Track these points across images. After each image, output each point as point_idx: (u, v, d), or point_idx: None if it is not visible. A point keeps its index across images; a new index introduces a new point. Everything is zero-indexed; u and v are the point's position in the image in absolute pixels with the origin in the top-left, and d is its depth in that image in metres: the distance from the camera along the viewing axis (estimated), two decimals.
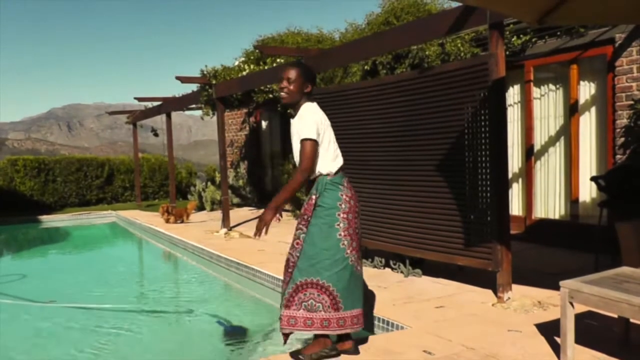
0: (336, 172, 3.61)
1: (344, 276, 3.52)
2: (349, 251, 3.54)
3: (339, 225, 3.52)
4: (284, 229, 9.85)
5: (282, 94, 3.67)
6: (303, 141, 3.48)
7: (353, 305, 3.58)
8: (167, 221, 11.78)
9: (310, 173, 3.51)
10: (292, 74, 3.64)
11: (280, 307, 3.60)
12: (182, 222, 11.80)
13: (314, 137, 3.47)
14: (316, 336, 3.64)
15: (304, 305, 3.47)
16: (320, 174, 3.56)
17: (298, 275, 3.50)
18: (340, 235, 3.52)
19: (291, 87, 3.64)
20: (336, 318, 3.50)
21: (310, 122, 3.51)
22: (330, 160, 3.60)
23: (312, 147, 3.47)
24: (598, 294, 3.24)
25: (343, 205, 3.55)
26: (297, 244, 3.57)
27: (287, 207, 12.75)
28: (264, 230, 3.45)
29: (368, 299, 4.94)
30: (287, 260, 3.63)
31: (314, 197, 3.55)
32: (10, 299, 6.72)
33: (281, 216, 3.51)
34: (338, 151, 3.70)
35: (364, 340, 4.02)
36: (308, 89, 3.68)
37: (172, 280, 8.36)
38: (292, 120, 3.72)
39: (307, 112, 3.58)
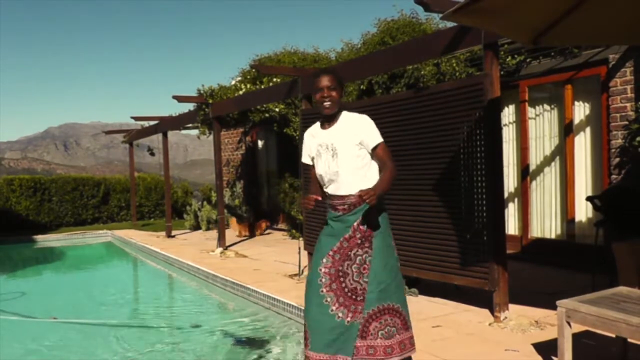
0: None
1: (404, 294, 3.45)
2: (399, 266, 3.47)
3: (393, 243, 3.44)
4: (279, 249, 9.86)
5: (326, 104, 3.41)
6: (380, 145, 3.39)
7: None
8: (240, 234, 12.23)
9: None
10: (331, 80, 3.41)
11: (326, 337, 3.30)
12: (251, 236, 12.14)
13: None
14: None
15: (381, 333, 3.29)
16: None
17: (371, 303, 3.31)
18: (396, 252, 3.44)
19: (334, 94, 3.40)
20: (409, 337, 3.39)
21: (375, 127, 3.41)
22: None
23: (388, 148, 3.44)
24: (595, 313, 3.24)
25: (389, 221, 3.47)
26: (364, 269, 3.34)
27: (283, 226, 12.72)
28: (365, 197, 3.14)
29: None
30: (355, 289, 3.34)
31: None
32: (12, 316, 6.72)
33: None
34: None
35: None
36: (343, 95, 3.55)
37: (167, 299, 8.31)
38: (325, 131, 3.49)
39: (365, 118, 3.43)
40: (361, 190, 3.17)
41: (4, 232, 14.52)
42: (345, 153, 3.38)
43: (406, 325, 3.37)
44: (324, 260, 3.39)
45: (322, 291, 3.35)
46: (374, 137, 3.37)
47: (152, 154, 14.34)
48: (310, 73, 7.79)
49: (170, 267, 9.79)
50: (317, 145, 3.53)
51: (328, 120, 3.49)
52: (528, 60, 7.34)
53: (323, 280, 3.36)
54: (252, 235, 12.28)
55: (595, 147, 6.82)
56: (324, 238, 3.48)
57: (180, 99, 10.84)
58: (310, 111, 7.43)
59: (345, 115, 3.47)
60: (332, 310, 3.31)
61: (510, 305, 4.97)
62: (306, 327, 3.39)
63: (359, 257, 3.34)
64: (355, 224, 3.36)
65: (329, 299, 3.34)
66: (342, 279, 3.34)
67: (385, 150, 3.41)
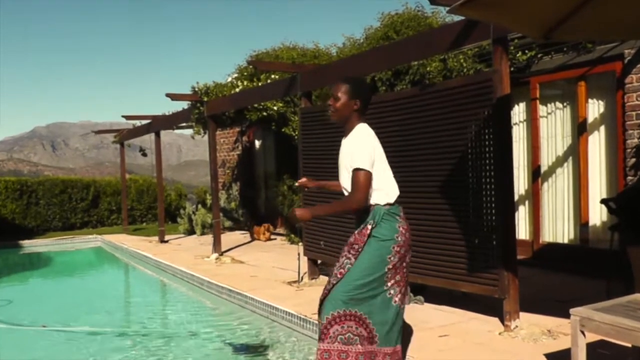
0: (393, 202, 3.52)
1: (383, 310, 3.43)
2: (389, 284, 3.44)
3: (390, 258, 3.41)
4: (277, 254, 9.77)
5: (329, 112, 3.60)
6: (356, 171, 3.37)
7: (388, 342, 3.47)
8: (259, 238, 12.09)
9: (364, 204, 3.40)
10: (338, 90, 3.55)
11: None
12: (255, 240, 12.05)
13: (367, 167, 3.37)
14: None
15: (340, 338, 3.36)
16: (377, 204, 3.45)
17: (335, 306, 3.38)
18: (388, 268, 3.41)
19: (337, 105, 3.54)
20: (369, 352, 3.40)
21: (364, 151, 3.40)
22: (388, 189, 3.52)
23: (365, 178, 3.37)
24: (610, 322, 3.20)
25: (399, 238, 3.45)
26: (340, 273, 3.44)
27: (281, 231, 12.54)
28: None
29: None
30: (325, 288, 3.56)
31: (369, 227, 3.44)
32: (1, 324, 6.72)
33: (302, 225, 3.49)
34: (393, 179, 3.60)
35: None
36: (357, 106, 3.54)
37: (161, 306, 8.28)
38: (343, 140, 3.62)
39: (361, 139, 3.48)
40: (298, 208, 3.50)
41: None
42: (343, 169, 3.56)
43: (371, 340, 3.41)
44: None
45: None
46: (354, 161, 3.40)
47: (144, 155, 14.38)
48: (310, 69, 7.68)
49: (164, 273, 9.73)
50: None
51: (344, 130, 3.62)
52: (539, 55, 7.27)
53: None
54: (251, 239, 12.16)
55: (610, 146, 6.74)
56: None
57: (174, 96, 10.81)
58: (310, 110, 7.41)
59: (356, 130, 3.55)
60: None
61: (521, 314, 4.91)
62: None
63: (342, 260, 3.50)
64: (356, 231, 3.52)
65: None
66: (331, 279, 3.53)
67: (359, 180, 3.37)
